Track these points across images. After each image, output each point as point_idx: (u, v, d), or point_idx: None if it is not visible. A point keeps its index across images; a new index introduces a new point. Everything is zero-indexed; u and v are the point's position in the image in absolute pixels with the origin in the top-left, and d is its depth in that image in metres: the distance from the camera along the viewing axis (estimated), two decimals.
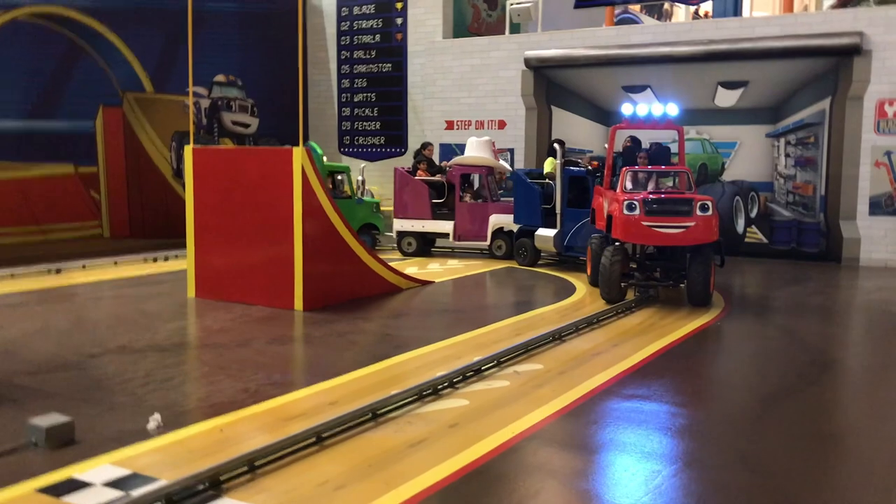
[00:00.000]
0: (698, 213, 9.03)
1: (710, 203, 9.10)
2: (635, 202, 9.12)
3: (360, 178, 14.88)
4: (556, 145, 12.16)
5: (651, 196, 9.31)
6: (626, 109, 10.04)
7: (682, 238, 9.11)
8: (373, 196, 15.37)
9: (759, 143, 14.18)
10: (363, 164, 16.36)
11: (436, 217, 13.86)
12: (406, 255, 14.02)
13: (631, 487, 4.51)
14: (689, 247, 9.34)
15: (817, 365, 7.32)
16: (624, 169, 9.85)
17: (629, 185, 9.78)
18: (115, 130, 14.86)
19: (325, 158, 14.48)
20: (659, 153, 10.77)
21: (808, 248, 13.74)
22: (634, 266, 9.87)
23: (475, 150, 13.76)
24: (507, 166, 14.34)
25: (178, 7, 14.39)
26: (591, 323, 8.45)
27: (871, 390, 6.65)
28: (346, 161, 18.19)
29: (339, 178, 14.36)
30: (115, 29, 14.69)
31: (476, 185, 14.08)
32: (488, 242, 13.59)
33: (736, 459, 4.93)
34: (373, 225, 14.63)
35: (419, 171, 14.08)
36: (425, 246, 14.20)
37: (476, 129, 16.31)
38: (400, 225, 14.11)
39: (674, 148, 11.75)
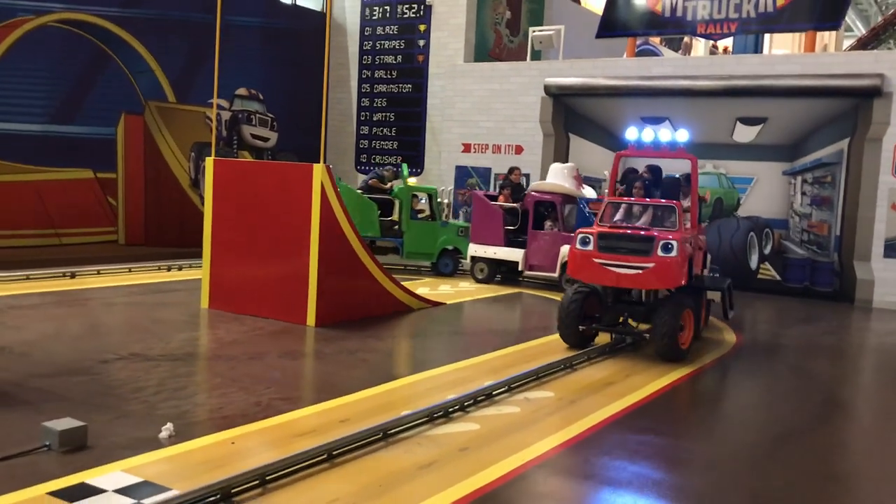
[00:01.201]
0: (659, 253, 7.93)
1: (674, 243, 7.95)
2: (589, 236, 8.27)
3: (445, 200, 14.47)
4: (605, 172, 11.50)
5: (607, 230, 8.36)
6: (631, 134, 9.05)
7: (639, 281, 8.11)
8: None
9: (775, 180, 14.18)
10: (450, 186, 15.95)
11: (509, 244, 13.24)
12: (478, 281, 13.42)
13: None
14: (658, 291, 8.46)
15: (829, 405, 7.29)
16: (606, 200, 9.01)
17: (618, 218, 8.78)
18: (135, 138, 14.97)
19: (411, 180, 14.09)
20: (669, 185, 9.80)
21: (820, 287, 13.69)
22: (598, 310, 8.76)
23: (554, 176, 13.00)
24: (591, 194, 13.24)
25: (203, 19, 14.56)
26: (604, 353, 8.43)
27: (882, 433, 6.61)
28: (362, 180, 18.28)
29: (439, 200, 14.00)
30: (140, 38, 14.85)
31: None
32: (557, 274, 12.68)
33: (746, 497, 4.91)
34: (457, 249, 14.12)
35: (501, 197, 13.55)
36: (509, 273, 13.56)
37: (493, 153, 16.38)
38: (474, 250, 13.52)
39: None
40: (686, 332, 8.32)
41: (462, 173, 16.60)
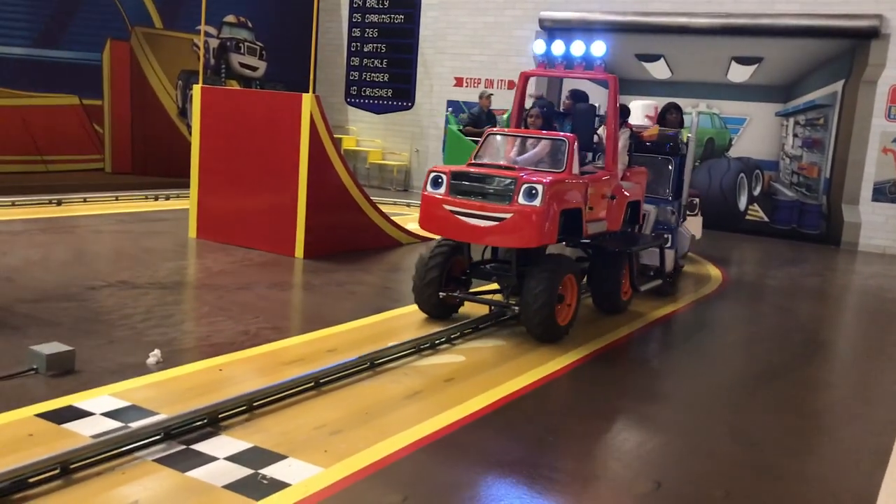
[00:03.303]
0: (520, 201, 6.11)
1: (539, 188, 6.08)
2: (442, 176, 6.52)
3: None
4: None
5: (463, 169, 6.60)
6: (539, 48, 7.32)
7: (493, 235, 6.32)
8: None
9: (768, 122, 14.10)
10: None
11: None
12: None
13: (622, 451, 4.59)
14: (525, 250, 6.55)
15: (811, 345, 7.39)
16: (487, 130, 7.25)
17: (508, 155, 6.93)
18: (122, 64, 14.67)
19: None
20: (581, 114, 7.40)
21: (808, 229, 13.75)
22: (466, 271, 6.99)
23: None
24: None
25: None
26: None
27: (862, 374, 6.73)
28: (351, 112, 18.08)
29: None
30: None
31: None
32: None
33: (725, 431, 5.01)
34: None
35: None
36: None
37: (486, 87, 16.17)
38: None
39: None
40: (567, 303, 6.59)
41: (454, 108, 16.41)
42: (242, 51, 16.69)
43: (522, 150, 6.95)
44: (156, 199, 12.89)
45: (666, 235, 8.40)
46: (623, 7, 14.86)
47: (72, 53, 14.02)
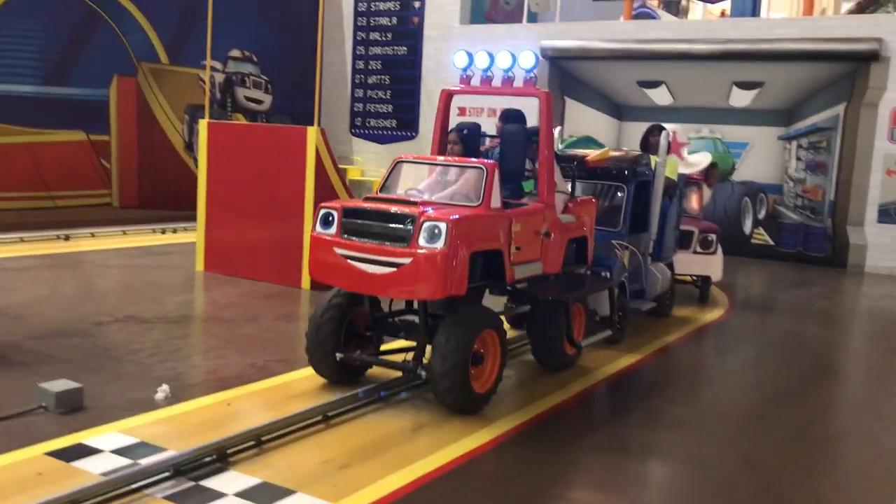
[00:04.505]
0: (421, 242, 5.05)
1: (442, 227, 5.01)
2: (332, 213, 5.49)
3: None
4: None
5: (355, 204, 5.59)
6: (460, 60, 6.58)
7: (387, 285, 5.24)
8: None
9: (770, 145, 14.15)
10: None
11: None
12: None
13: (634, 480, 4.57)
14: (437, 302, 5.49)
15: (820, 369, 7.36)
16: (396, 159, 6.06)
17: (420, 187, 5.77)
18: (128, 100, 14.84)
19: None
20: (510, 137, 6.53)
21: (813, 252, 13.74)
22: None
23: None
24: (697, 162, 9.51)
25: None
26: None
27: (873, 397, 6.69)
28: (356, 143, 18.20)
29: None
30: None
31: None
32: None
33: (738, 459, 4.98)
34: None
35: None
36: None
37: (489, 116, 16.26)
38: None
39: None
40: (487, 365, 5.45)
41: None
42: (248, 84, 16.85)
43: (441, 182, 5.80)
44: (163, 232, 12.97)
45: (604, 273, 6.95)
46: (623, 35, 14.99)
47: (79, 90, 14.18)
